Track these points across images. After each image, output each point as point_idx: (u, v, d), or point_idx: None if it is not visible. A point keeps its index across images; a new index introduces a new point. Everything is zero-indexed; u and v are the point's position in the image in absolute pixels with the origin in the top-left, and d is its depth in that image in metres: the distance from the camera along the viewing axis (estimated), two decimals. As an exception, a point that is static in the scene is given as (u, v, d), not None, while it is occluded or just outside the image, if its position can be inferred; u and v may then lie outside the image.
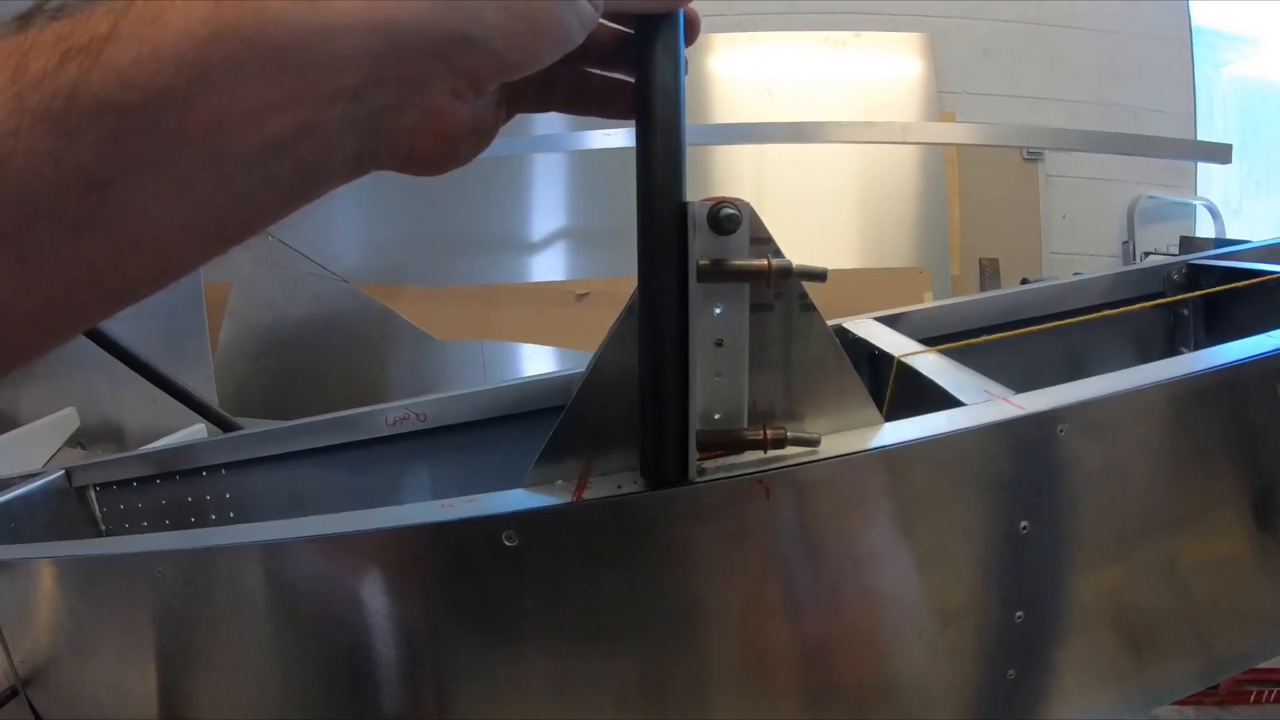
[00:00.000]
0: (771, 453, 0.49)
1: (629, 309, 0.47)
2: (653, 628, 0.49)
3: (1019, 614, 0.55)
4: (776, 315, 0.49)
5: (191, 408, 1.34)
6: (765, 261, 0.46)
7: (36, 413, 2.01)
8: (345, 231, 3.14)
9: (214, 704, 0.57)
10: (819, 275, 0.47)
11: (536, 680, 0.50)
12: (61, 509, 0.91)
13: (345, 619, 0.52)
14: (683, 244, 0.43)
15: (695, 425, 0.46)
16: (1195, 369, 0.57)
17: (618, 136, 2.29)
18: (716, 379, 0.48)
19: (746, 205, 0.46)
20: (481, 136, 0.40)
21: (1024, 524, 0.53)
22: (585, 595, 0.48)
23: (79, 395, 2.11)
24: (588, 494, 0.48)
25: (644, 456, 0.47)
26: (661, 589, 0.49)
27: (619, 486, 0.48)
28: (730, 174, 2.90)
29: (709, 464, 0.49)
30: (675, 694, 0.50)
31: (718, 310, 0.47)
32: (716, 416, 0.49)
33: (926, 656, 0.54)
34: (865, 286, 2.46)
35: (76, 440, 2.05)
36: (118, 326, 2.01)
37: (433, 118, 0.34)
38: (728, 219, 0.43)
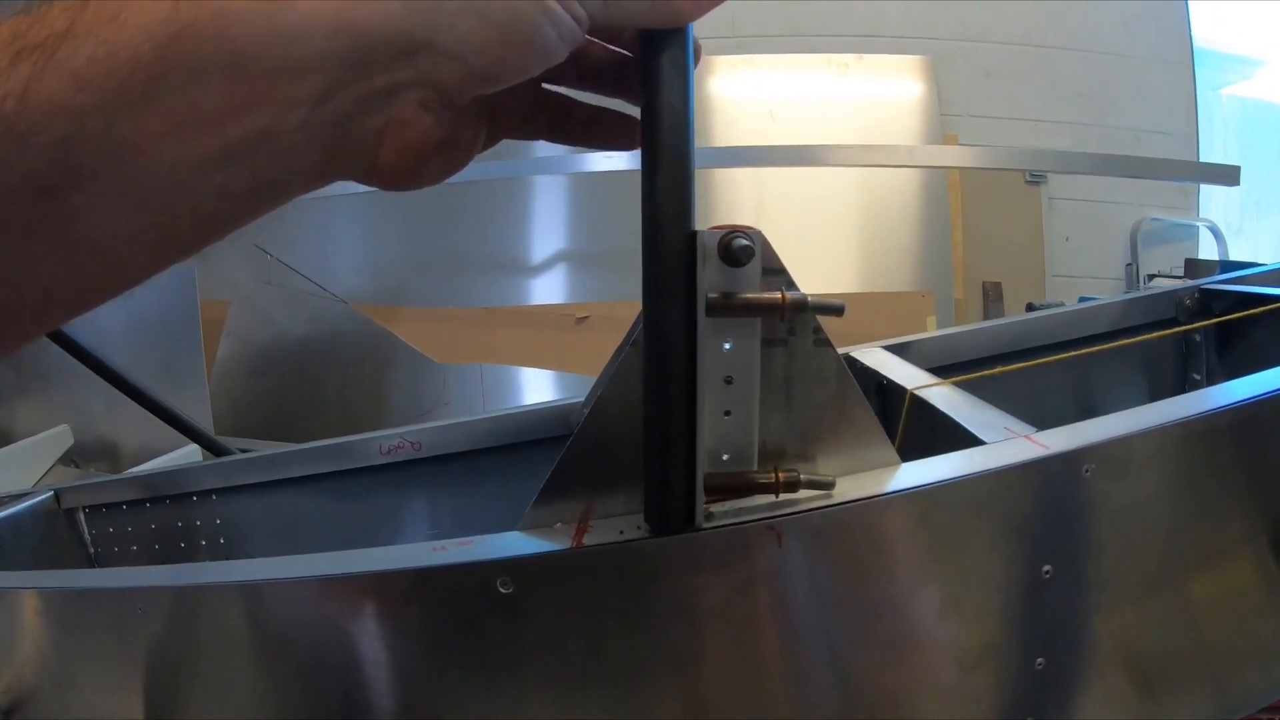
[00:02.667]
0: (783, 496, 0.46)
1: (633, 343, 0.45)
2: (657, 681, 0.46)
3: (1040, 660, 0.52)
4: (789, 351, 0.47)
5: (183, 431, 1.32)
6: (779, 295, 0.43)
7: (31, 429, 2.00)
8: (344, 252, 3.13)
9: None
10: (836, 310, 0.44)
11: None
12: (50, 531, 0.90)
13: (331, 663, 0.50)
14: (691, 276, 0.41)
15: (703, 467, 0.43)
16: (1224, 403, 0.54)
17: (620, 159, 2.28)
18: (725, 418, 0.45)
19: (759, 234, 0.43)
20: (454, 155, 0.38)
21: (1047, 568, 0.51)
22: (584, 646, 0.45)
23: (74, 413, 2.10)
24: (588, 539, 0.45)
25: (648, 500, 0.44)
26: (666, 641, 0.46)
27: (621, 532, 0.45)
28: (731, 196, 2.88)
29: (716, 508, 0.46)
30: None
31: (727, 345, 0.44)
32: (725, 458, 0.46)
33: (944, 707, 0.51)
34: (867, 310, 2.44)
35: (70, 458, 2.04)
36: (112, 345, 2.00)
37: (398, 128, 0.32)
38: (740, 250, 0.41)
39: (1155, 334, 0.89)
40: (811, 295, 0.44)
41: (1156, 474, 0.53)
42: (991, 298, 2.92)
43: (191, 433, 1.32)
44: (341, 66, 0.29)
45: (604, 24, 0.36)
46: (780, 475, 0.45)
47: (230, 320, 2.85)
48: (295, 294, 2.91)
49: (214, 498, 0.97)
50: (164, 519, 0.95)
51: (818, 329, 0.46)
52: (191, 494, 0.94)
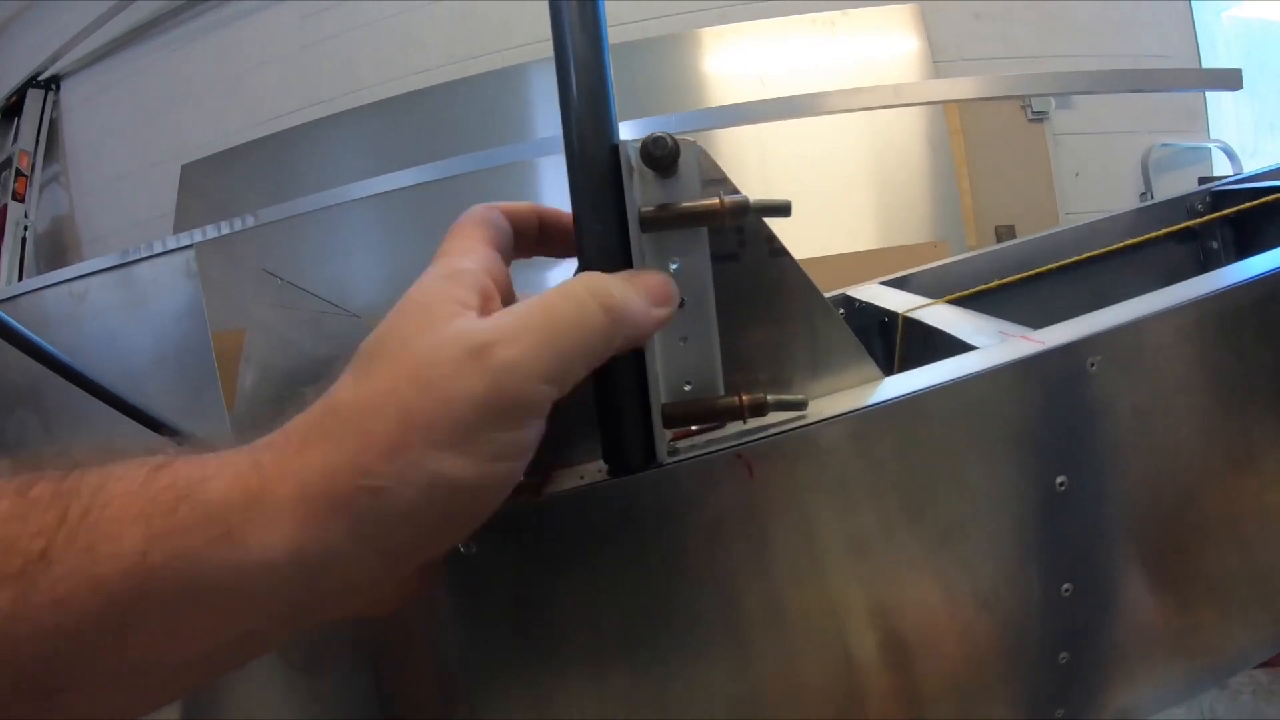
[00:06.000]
0: (752, 422, 0.42)
1: (575, 274, 0.41)
2: (628, 633, 0.42)
3: (1066, 586, 0.48)
4: (744, 265, 0.43)
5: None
6: (717, 200, 0.39)
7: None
8: (355, 266, 3.12)
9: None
10: (781, 209, 0.41)
11: (507, 699, 0.44)
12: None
13: (318, 644, 0.48)
14: (618, 189, 0.37)
15: (660, 399, 0.40)
16: (1242, 278, 0.49)
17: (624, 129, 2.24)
18: (682, 344, 0.42)
19: (695, 144, 0.40)
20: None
21: (1060, 479, 0.46)
22: (553, 603, 0.42)
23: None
24: (546, 489, 0.41)
25: (604, 438, 0.40)
26: (638, 589, 0.42)
27: (581, 477, 0.42)
28: (734, 167, 2.80)
29: (683, 442, 0.43)
30: (666, 707, 0.43)
31: (674, 265, 0.41)
32: (687, 387, 0.42)
33: (962, 648, 0.47)
34: (883, 266, 2.38)
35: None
36: (143, 385, 1.98)
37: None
38: (655, 144, 0.37)
39: (1164, 230, 0.84)
40: (754, 198, 0.40)
41: (1173, 364, 0.49)
42: (1005, 241, 2.85)
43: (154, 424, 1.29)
44: (293, 589, 0.31)
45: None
46: (745, 398, 0.41)
47: (248, 348, 2.83)
48: (312, 315, 2.90)
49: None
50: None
51: (771, 238, 0.42)
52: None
